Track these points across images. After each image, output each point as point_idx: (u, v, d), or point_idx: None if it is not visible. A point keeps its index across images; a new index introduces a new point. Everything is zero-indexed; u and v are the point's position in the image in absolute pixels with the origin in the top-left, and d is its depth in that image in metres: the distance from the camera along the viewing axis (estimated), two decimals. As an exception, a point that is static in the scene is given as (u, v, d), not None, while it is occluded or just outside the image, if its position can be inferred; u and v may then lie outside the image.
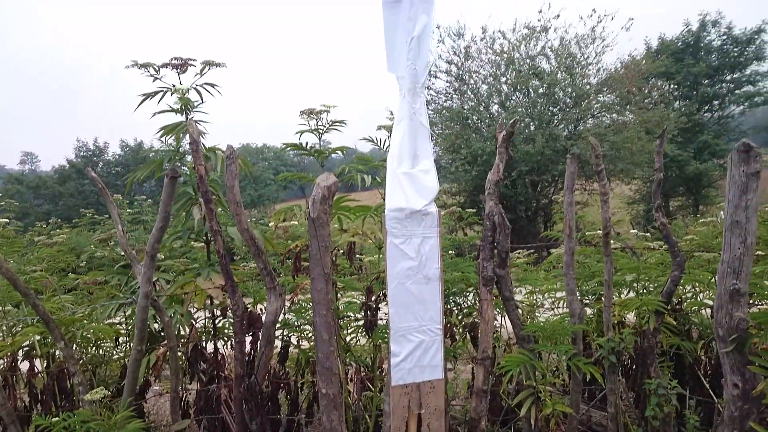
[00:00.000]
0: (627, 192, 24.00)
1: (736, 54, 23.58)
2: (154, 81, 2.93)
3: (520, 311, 3.15)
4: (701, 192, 23.39)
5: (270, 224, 4.20)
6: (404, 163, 2.63)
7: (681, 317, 3.63)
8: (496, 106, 17.58)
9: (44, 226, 12.86)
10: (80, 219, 12.01)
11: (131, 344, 3.49)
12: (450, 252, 4.73)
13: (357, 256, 4.27)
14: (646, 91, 18.33)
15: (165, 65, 2.86)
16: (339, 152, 3.24)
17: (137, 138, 38.52)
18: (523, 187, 16.07)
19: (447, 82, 18.07)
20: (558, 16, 16.96)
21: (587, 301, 3.92)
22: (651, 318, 3.03)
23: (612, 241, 4.56)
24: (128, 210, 12.12)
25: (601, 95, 16.96)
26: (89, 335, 3.38)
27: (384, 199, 2.74)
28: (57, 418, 2.29)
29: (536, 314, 4.42)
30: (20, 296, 2.73)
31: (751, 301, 3.55)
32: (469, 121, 17.21)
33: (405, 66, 2.57)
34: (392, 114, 2.66)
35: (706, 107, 24.61)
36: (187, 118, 3.04)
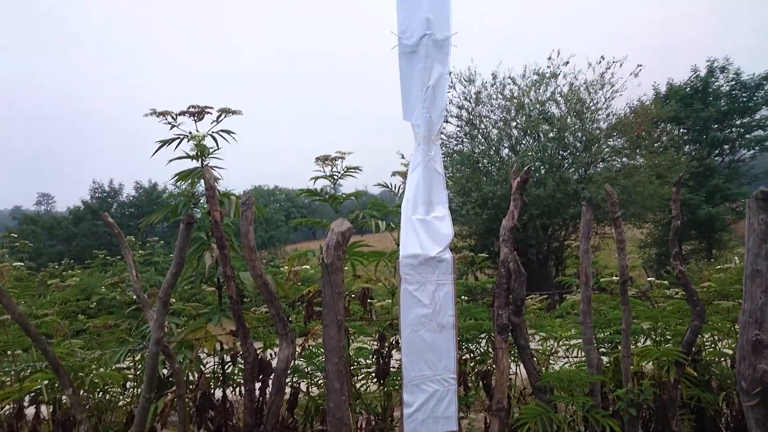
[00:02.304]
0: (638, 236, 23.80)
1: (744, 99, 23.72)
2: (171, 128, 2.98)
3: (535, 360, 3.08)
4: (714, 236, 23.14)
5: (284, 268, 4.19)
6: (419, 210, 2.63)
7: (701, 367, 3.53)
8: (506, 150, 17.68)
9: (56, 266, 12.91)
10: (92, 260, 12.05)
11: (139, 390, 3.44)
12: (462, 297, 4.68)
13: (368, 300, 4.23)
14: (656, 136, 18.40)
15: (182, 113, 2.93)
16: (352, 197, 3.26)
17: (152, 179, 39.02)
18: (534, 231, 15.99)
19: (458, 126, 18.29)
20: (567, 62, 17.15)
21: (603, 350, 3.83)
22: (671, 369, 2.95)
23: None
24: (140, 251, 12.16)
25: (611, 140, 17.04)
26: (97, 380, 3.34)
27: (398, 245, 2.73)
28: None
29: (550, 362, 4.32)
30: (29, 340, 2.72)
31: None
32: (480, 165, 17.29)
33: (420, 114, 2.61)
34: (404, 158, 2.67)
35: (717, 151, 24.61)
36: (202, 164, 3.08)
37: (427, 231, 2.61)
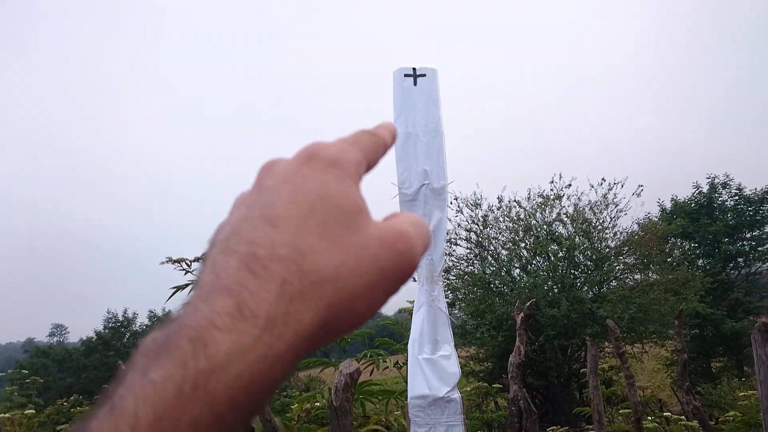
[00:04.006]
0: (663, 353, 22.96)
1: (751, 213, 24.02)
2: (186, 275, 3.14)
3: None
4: (743, 352, 22.23)
5: (294, 406, 4.13)
6: (425, 349, 2.67)
7: None
8: (517, 270, 17.72)
9: (65, 402, 12.64)
10: (101, 395, 11.82)
11: None
12: (479, 432, 4.52)
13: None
14: (667, 251, 18.44)
15: (197, 259, 3.09)
16: (358, 336, 3.31)
17: (166, 308, 38.97)
18: (553, 352, 15.53)
19: (467, 248, 18.50)
20: (569, 185, 17.69)
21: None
22: None
23: (650, 417, 4.34)
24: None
25: (621, 257, 17.08)
26: None
27: (406, 382, 2.74)
28: None
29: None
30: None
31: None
32: (492, 286, 17.25)
33: (423, 257, 2.74)
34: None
35: (732, 264, 24.46)
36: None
37: (434, 371, 2.62)
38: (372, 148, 0.41)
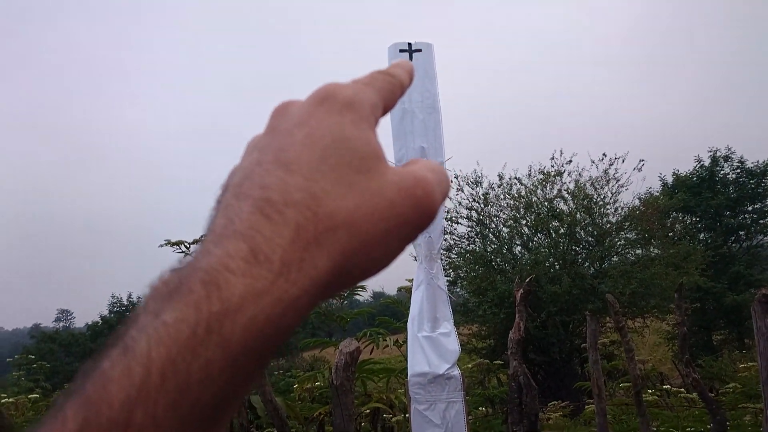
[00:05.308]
0: (665, 327, 23.08)
1: (753, 185, 23.93)
2: (185, 257, 3.13)
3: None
4: (744, 324, 22.35)
5: (295, 387, 4.17)
6: (425, 327, 2.67)
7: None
8: (518, 248, 17.74)
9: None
10: (108, 379, 11.94)
11: None
12: (480, 408, 4.56)
13: (384, 415, 4.15)
14: (669, 225, 18.43)
15: (196, 241, 3.08)
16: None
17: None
18: (554, 328, 15.63)
19: (468, 226, 18.49)
20: (570, 161, 17.58)
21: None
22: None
23: (650, 390, 4.36)
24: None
25: (622, 232, 17.09)
26: None
27: (406, 360, 2.75)
28: None
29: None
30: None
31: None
32: (494, 263, 17.30)
33: (421, 234, 2.72)
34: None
35: (733, 238, 24.47)
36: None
37: (434, 348, 2.63)
38: (388, 89, 0.39)
